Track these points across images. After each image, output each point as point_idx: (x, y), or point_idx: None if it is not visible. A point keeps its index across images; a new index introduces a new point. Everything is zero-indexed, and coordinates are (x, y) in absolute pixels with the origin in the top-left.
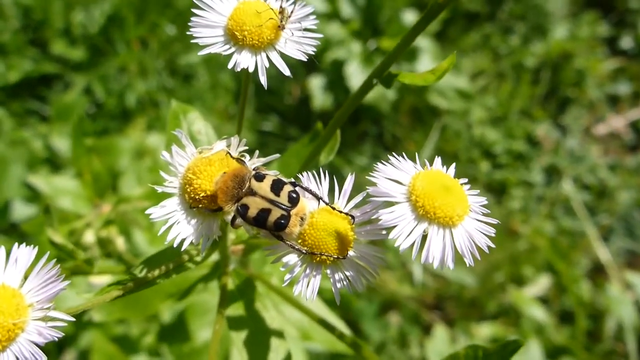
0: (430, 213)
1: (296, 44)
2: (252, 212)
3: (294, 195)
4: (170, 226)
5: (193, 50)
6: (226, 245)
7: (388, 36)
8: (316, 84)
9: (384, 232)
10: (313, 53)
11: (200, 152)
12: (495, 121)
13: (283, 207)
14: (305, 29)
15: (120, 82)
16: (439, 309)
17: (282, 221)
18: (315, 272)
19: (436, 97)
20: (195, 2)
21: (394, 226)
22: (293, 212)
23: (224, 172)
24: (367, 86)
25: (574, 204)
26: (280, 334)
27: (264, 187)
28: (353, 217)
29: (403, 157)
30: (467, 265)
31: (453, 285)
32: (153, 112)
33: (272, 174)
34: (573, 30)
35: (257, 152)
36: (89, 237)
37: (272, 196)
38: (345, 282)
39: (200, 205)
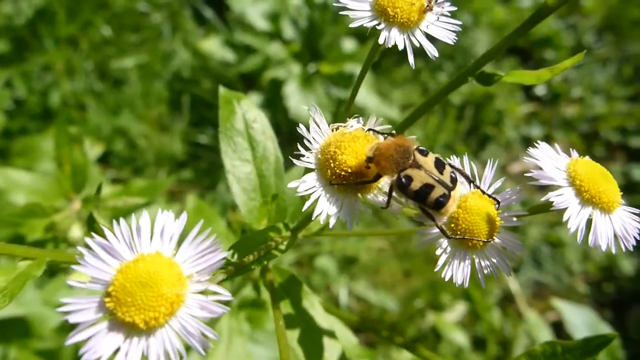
0: (596, 198)
1: (439, 28)
2: (416, 184)
3: (454, 176)
4: (315, 201)
5: (127, 55)
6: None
7: (328, 61)
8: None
9: (514, 219)
10: (456, 39)
11: (334, 130)
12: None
13: (445, 185)
14: (445, 15)
15: (44, 80)
16: (361, 331)
17: (442, 199)
18: (465, 256)
19: None
20: None
21: (564, 209)
22: (452, 192)
23: (378, 142)
24: (459, 81)
25: None
26: (331, 334)
27: (429, 162)
28: (499, 202)
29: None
30: (624, 250)
31: (375, 308)
32: (78, 115)
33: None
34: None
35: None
36: (76, 232)
37: (436, 173)
38: (492, 268)
39: (344, 182)
